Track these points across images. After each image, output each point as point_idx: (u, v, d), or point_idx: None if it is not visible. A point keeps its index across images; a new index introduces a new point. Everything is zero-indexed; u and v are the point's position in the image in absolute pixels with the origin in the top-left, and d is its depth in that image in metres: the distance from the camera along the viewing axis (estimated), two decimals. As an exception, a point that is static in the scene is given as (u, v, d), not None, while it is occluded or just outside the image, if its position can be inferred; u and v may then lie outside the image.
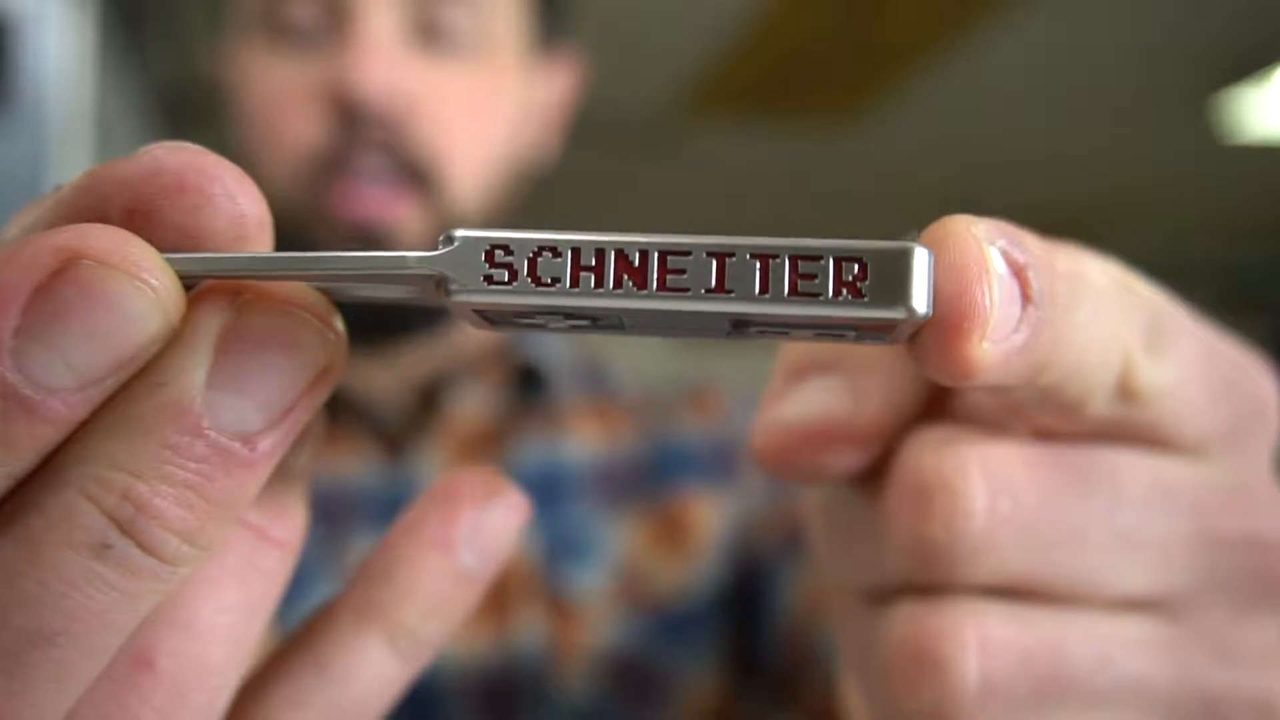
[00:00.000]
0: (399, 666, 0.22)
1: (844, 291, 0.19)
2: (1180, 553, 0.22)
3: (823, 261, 0.19)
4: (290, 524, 0.22)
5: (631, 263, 0.19)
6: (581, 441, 0.69)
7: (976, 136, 4.04)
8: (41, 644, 0.17)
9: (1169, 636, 0.22)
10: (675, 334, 0.20)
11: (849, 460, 0.24)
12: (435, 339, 0.67)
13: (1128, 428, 0.22)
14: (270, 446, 0.18)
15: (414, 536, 0.23)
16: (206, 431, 0.18)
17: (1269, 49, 3.30)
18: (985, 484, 0.22)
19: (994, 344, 0.19)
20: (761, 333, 0.20)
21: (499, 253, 0.19)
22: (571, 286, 0.19)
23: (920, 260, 0.19)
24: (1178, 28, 3.18)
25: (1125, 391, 0.22)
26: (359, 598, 0.22)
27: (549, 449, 0.68)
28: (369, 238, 0.60)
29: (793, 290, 0.19)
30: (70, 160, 1.05)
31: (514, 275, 0.19)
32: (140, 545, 0.18)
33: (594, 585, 0.64)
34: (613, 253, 0.19)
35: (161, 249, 0.18)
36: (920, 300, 0.19)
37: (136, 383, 0.18)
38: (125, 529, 0.17)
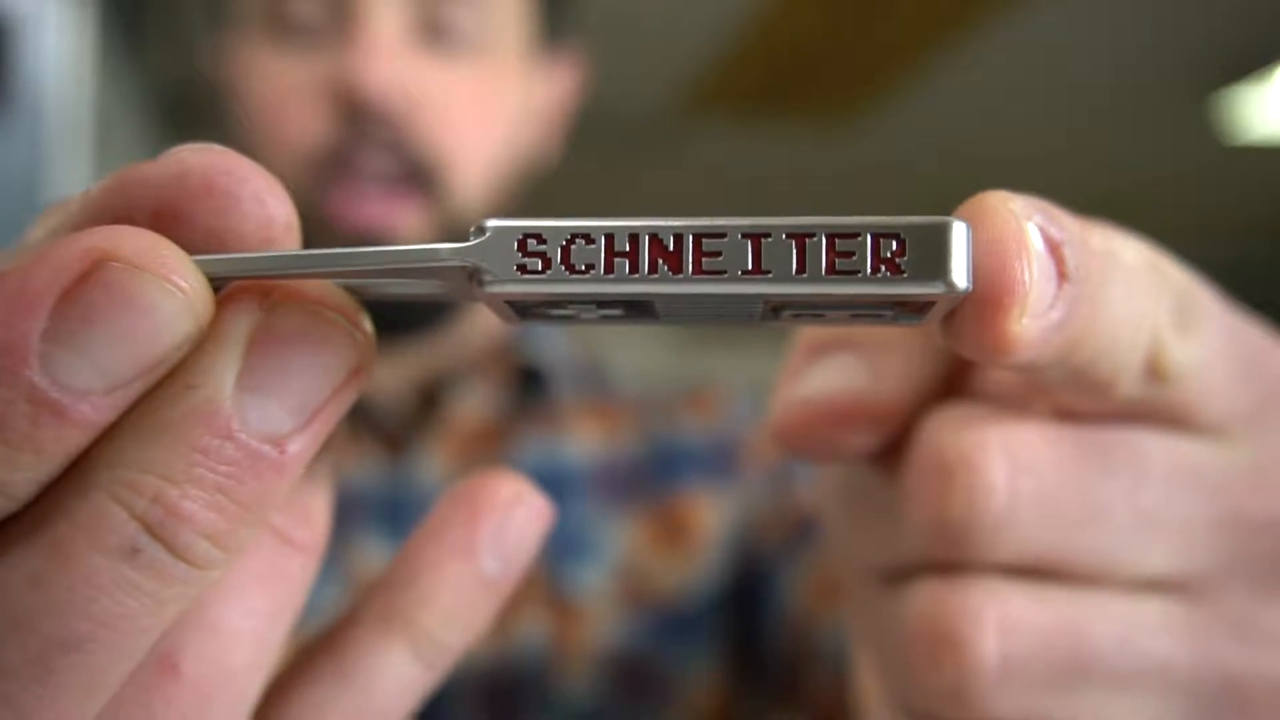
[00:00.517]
0: (420, 672, 0.22)
1: (882, 268, 0.18)
2: (1202, 534, 0.22)
3: (860, 239, 0.19)
4: (314, 528, 0.22)
5: (666, 246, 0.18)
6: (582, 441, 0.69)
7: (976, 136, 4.04)
8: (71, 650, 0.17)
9: (1190, 618, 0.22)
10: (708, 320, 0.20)
11: (868, 438, 0.24)
12: (436, 338, 0.66)
13: (1154, 408, 0.22)
14: (300, 449, 0.18)
15: (436, 542, 0.22)
16: (237, 434, 0.18)
17: (1269, 49, 3.30)
18: (1006, 462, 0.22)
19: (1033, 319, 0.19)
20: (797, 316, 0.20)
21: (531, 241, 0.18)
22: (606, 273, 0.18)
23: (959, 235, 0.19)
24: (1177, 27, 3.18)
25: (1154, 371, 0.22)
26: (381, 603, 0.22)
27: (549, 448, 0.68)
28: (371, 239, 0.59)
29: (830, 269, 0.18)
30: (69, 160, 1.05)
31: (548, 264, 0.18)
32: (170, 549, 0.17)
33: (595, 585, 0.63)
34: (647, 237, 0.18)
35: (189, 251, 0.18)
36: (960, 275, 0.18)
37: (165, 385, 0.18)
38: (155, 532, 0.17)
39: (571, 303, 0.19)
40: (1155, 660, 0.22)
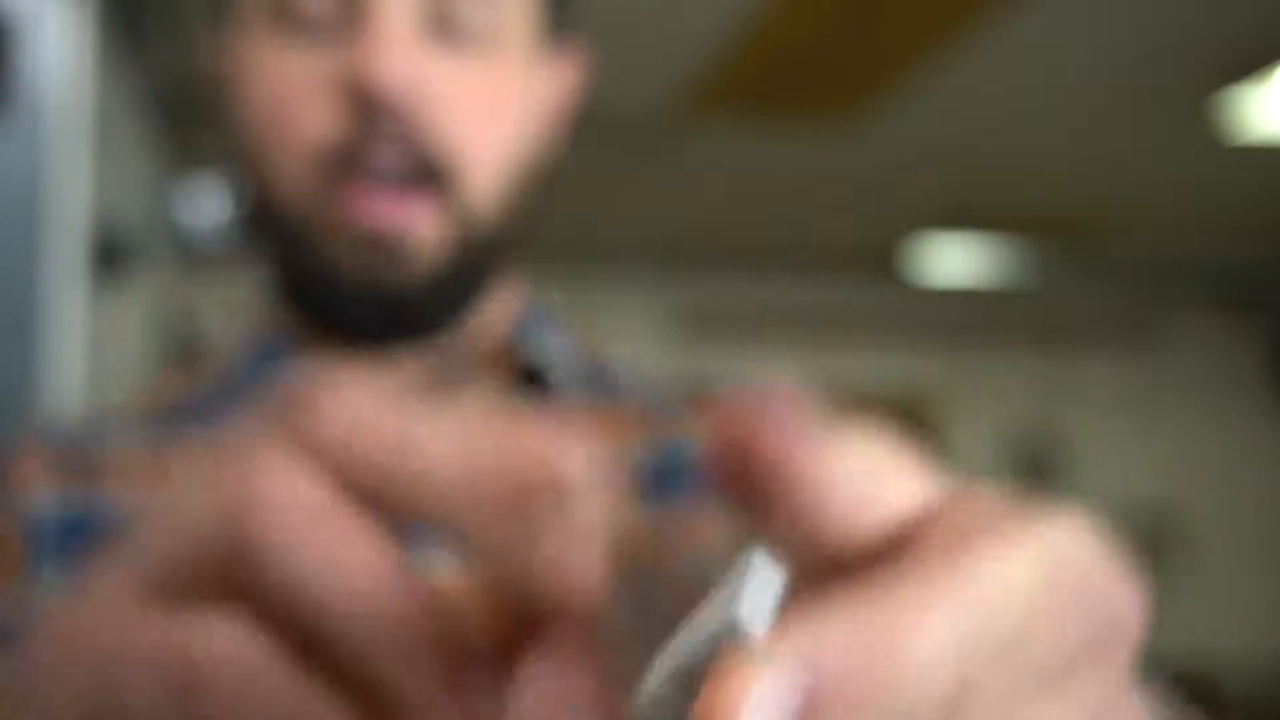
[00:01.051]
0: None
1: None
2: None
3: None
4: None
5: None
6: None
7: (976, 136, 4.05)
8: None
9: None
10: None
11: None
12: (436, 341, 0.66)
13: None
14: None
15: None
16: None
17: (1268, 49, 3.30)
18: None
19: None
20: None
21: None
22: None
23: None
24: (1177, 28, 3.19)
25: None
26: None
27: None
28: (382, 243, 0.59)
29: None
30: (70, 160, 1.06)
31: None
32: None
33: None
34: None
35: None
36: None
37: None
38: None
39: None
40: None
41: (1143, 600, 0.21)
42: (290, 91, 0.60)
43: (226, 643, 0.20)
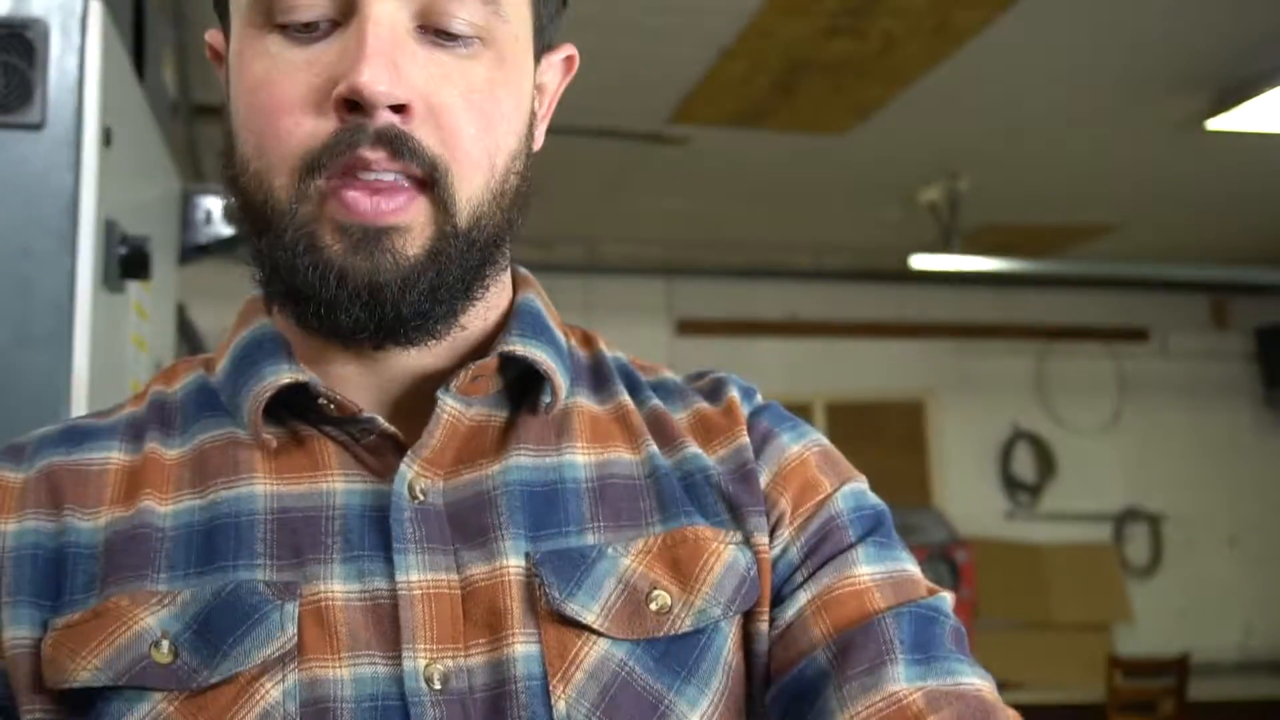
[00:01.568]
0: None
1: None
2: None
3: None
4: None
5: None
6: (584, 450, 0.67)
7: (973, 144, 4.07)
8: None
9: None
10: None
11: None
12: (433, 343, 0.64)
13: None
14: None
15: None
16: None
17: (1257, 60, 3.32)
18: None
19: None
20: None
21: None
22: None
23: None
24: (1174, 32, 3.21)
25: None
26: None
27: (549, 458, 0.66)
28: (371, 235, 0.59)
29: None
30: (93, 167, 1.08)
31: None
32: None
33: (589, 604, 0.61)
34: None
35: None
36: None
37: None
38: None
39: None
40: None
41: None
42: (284, 91, 0.60)
43: None
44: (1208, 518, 5.87)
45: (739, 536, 0.65)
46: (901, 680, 0.60)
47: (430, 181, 0.60)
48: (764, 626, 0.65)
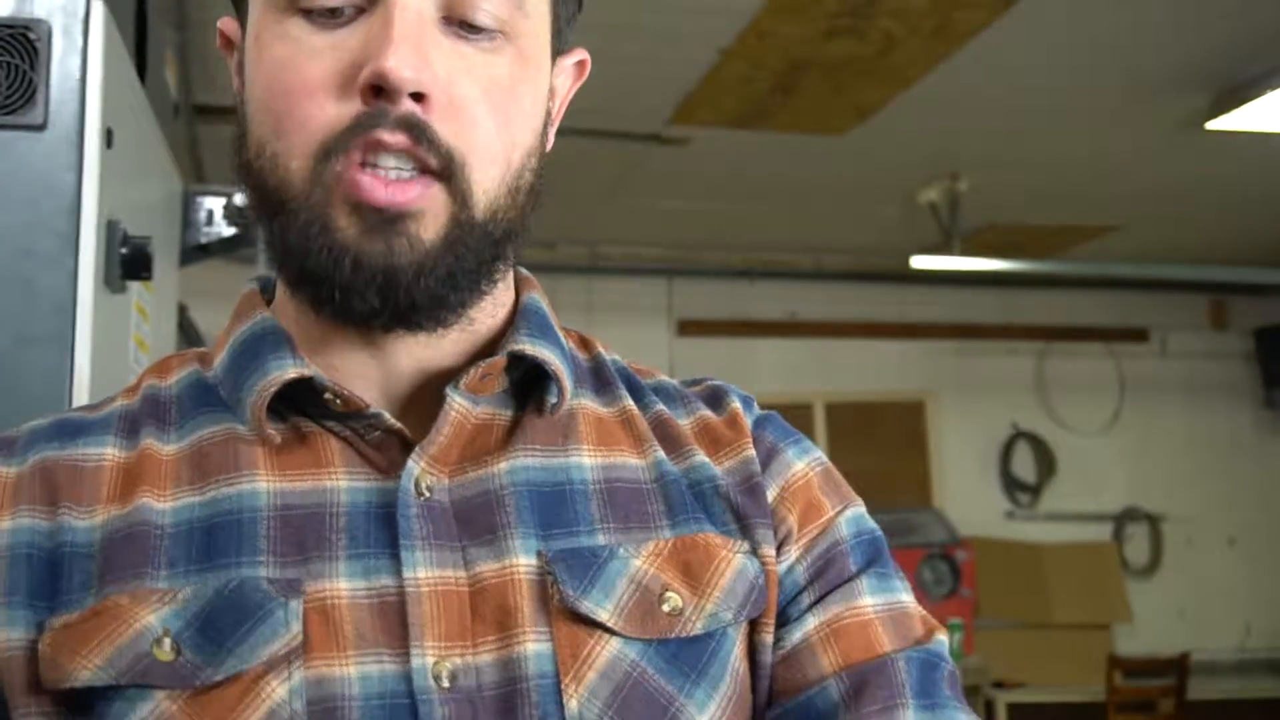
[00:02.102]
0: None
1: None
2: None
3: None
4: None
5: None
6: (590, 452, 0.67)
7: (973, 144, 4.07)
8: None
9: None
10: None
11: None
12: (440, 333, 0.65)
13: None
14: None
15: None
16: None
17: (1257, 60, 3.33)
18: None
19: None
20: None
21: None
22: None
23: None
24: (1172, 37, 3.21)
25: None
26: None
27: (555, 458, 0.66)
28: (386, 219, 0.59)
29: None
30: (97, 169, 1.08)
31: None
32: None
33: (603, 603, 0.61)
34: None
35: None
36: None
37: None
38: None
39: None
40: None
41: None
42: (304, 77, 0.60)
43: None
44: (1207, 518, 5.87)
45: (747, 546, 0.66)
46: None
47: (446, 173, 0.60)
48: (768, 638, 0.65)
